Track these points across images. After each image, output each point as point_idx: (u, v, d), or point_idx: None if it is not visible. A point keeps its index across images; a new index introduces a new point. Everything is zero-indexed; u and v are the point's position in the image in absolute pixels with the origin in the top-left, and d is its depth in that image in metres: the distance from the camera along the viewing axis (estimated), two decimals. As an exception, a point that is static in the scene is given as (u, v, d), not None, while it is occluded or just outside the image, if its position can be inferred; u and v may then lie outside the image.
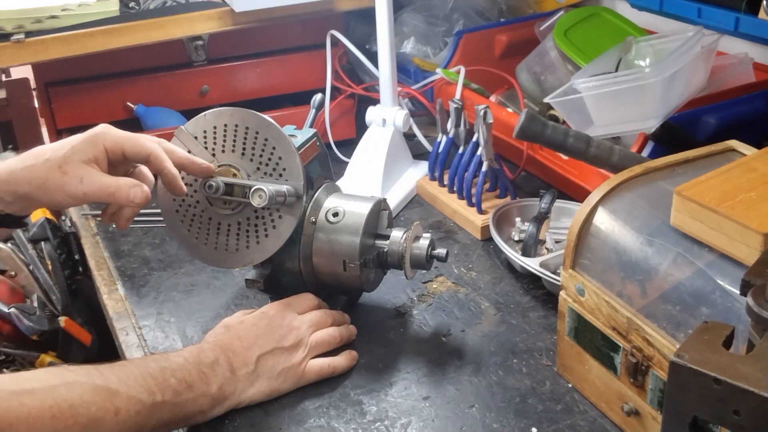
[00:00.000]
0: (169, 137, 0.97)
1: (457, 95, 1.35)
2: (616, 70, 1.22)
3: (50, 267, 1.26)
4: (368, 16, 1.36)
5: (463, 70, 1.38)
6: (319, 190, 0.97)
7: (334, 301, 0.99)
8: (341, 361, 0.90)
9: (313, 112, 1.09)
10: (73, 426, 0.69)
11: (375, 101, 1.32)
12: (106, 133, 0.83)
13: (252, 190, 0.88)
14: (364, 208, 0.94)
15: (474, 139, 1.18)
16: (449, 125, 1.22)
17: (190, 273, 1.11)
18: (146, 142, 0.85)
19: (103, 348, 1.23)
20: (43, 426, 0.67)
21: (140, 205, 0.84)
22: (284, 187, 0.89)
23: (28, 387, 0.68)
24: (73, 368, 0.74)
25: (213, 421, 0.83)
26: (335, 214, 0.94)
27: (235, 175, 0.92)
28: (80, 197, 0.82)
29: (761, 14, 1.10)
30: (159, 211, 0.98)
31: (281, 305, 0.92)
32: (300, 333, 0.89)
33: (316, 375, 0.89)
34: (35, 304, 1.22)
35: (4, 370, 1.17)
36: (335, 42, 1.43)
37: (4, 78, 1.75)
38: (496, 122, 1.18)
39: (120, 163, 0.86)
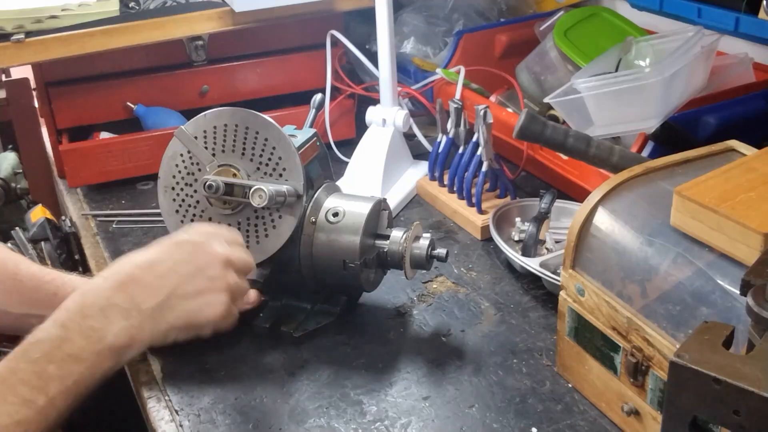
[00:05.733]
0: (169, 137, 0.97)
1: (457, 95, 1.35)
2: (616, 70, 1.23)
3: (50, 267, 1.26)
4: (368, 16, 1.36)
5: (463, 70, 1.38)
6: (319, 190, 0.97)
7: (334, 301, 0.99)
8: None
9: (313, 112, 1.09)
10: None
11: (375, 101, 1.32)
12: None
13: (252, 190, 0.88)
14: (364, 208, 0.94)
15: (474, 139, 1.18)
16: (449, 125, 1.22)
17: (190, 273, 1.11)
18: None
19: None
20: None
21: (255, 304, 0.93)
22: (284, 187, 0.89)
23: None
24: None
25: (211, 422, 0.83)
26: (335, 214, 0.94)
27: (235, 175, 0.92)
28: None
29: (761, 14, 1.11)
30: (159, 211, 0.98)
31: (209, 234, 0.83)
32: (229, 266, 0.82)
33: (233, 320, 0.84)
34: (35, 304, 1.22)
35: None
36: (335, 42, 1.43)
37: (4, 78, 1.75)
38: (496, 122, 1.18)
39: None
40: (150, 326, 0.77)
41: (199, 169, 0.95)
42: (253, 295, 0.93)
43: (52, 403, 0.69)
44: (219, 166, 0.93)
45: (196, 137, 0.95)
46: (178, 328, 0.80)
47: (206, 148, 0.95)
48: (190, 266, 0.80)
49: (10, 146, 2.11)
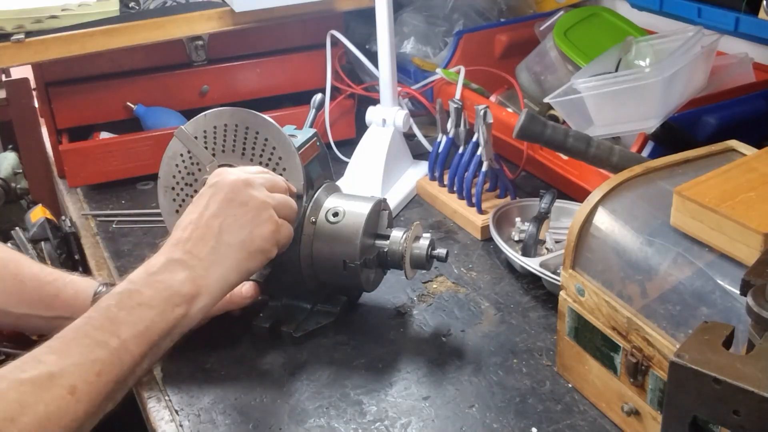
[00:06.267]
0: (169, 137, 0.97)
1: (457, 95, 1.35)
2: (616, 70, 1.22)
3: (51, 267, 1.26)
4: (368, 16, 1.36)
5: (463, 70, 1.38)
6: (319, 190, 0.97)
7: (334, 301, 0.99)
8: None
9: (313, 112, 1.09)
10: None
11: (375, 101, 1.32)
12: None
13: None
14: (364, 208, 0.94)
15: (474, 139, 1.18)
16: (449, 125, 1.22)
17: (190, 273, 1.11)
18: None
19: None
20: None
21: (254, 298, 0.94)
22: None
23: None
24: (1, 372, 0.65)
25: (211, 422, 0.83)
26: (335, 214, 0.94)
27: None
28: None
29: (761, 14, 1.11)
30: (159, 211, 0.98)
31: (222, 169, 0.86)
32: (258, 187, 0.84)
33: (289, 233, 0.86)
34: (35, 303, 1.21)
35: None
36: (335, 42, 1.43)
37: (4, 78, 1.75)
38: (496, 122, 1.18)
39: None
40: (215, 270, 0.79)
41: (199, 169, 0.95)
42: (249, 288, 0.93)
43: (124, 345, 0.70)
44: (219, 166, 0.93)
45: (196, 137, 0.95)
46: (244, 260, 0.81)
47: (206, 148, 0.95)
48: (218, 203, 0.82)
49: (10, 146, 2.12)
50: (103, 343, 0.69)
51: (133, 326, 0.72)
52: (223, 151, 0.94)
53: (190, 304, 0.76)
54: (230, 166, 0.92)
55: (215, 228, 0.80)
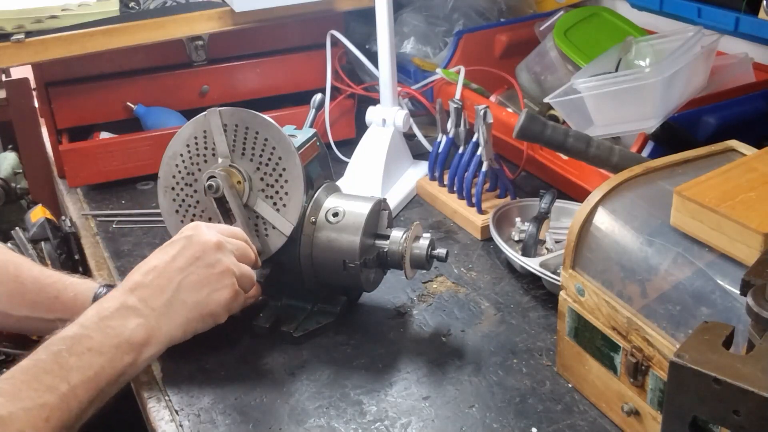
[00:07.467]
0: (169, 137, 0.97)
1: (457, 95, 1.35)
2: (616, 70, 1.23)
3: (50, 267, 1.26)
4: (368, 16, 1.36)
5: (463, 70, 1.38)
6: (319, 190, 0.97)
7: (334, 301, 0.99)
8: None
9: (313, 112, 1.09)
10: None
11: (375, 101, 1.32)
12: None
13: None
14: (364, 208, 0.94)
15: (474, 139, 1.18)
16: (449, 125, 1.22)
17: (190, 273, 1.11)
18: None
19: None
20: None
21: (256, 298, 0.94)
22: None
23: None
24: None
25: (211, 422, 0.83)
26: (335, 214, 0.94)
27: (239, 183, 0.93)
28: None
29: (761, 14, 1.11)
30: (159, 211, 0.98)
31: (199, 225, 0.87)
32: (228, 254, 0.85)
33: (241, 303, 0.87)
34: (35, 303, 1.21)
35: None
36: (335, 42, 1.43)
37: (4, 78, 1.75)
38: (496, 122, 1.18)
39: None
40: (165, 323, 0.80)
41: (200, 169, 0.95)
42: (253, 288, 0.93)
43: (73, 391, 0.71)
44: (230, 165, 0.93)
45: (195, 137, 0.95)
46: (194, 320, 0.83)
47: (206, 148, 0.95)
48: (186, 258, 0.83)
49: (10, 146, 2.11)
50: (52, 388, 0.70)
51: (83, 372, 0.73)
52: (223, 151, 0.94)
53: (139, 352, 0.78)
54: (240, 171, 0.93)
55: (175, 282, 0.82)
